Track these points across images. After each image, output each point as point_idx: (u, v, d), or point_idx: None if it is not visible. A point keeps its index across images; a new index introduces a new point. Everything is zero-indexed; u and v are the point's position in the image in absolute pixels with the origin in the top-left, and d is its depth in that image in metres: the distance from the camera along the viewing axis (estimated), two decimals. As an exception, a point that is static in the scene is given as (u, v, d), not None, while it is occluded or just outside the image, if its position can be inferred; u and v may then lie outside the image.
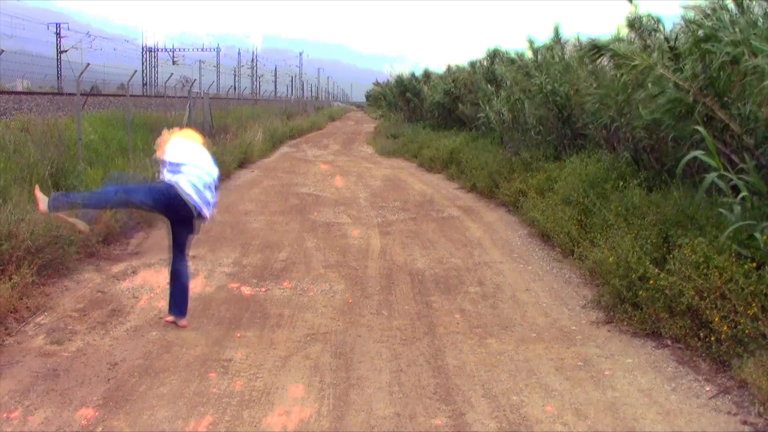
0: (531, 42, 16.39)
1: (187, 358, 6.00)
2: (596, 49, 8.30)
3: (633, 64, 7.75)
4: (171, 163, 6.71)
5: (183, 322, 6.85)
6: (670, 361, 6.07)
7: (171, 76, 27.13)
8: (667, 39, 8.49)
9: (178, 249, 6.98)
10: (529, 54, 16.28)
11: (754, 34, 6.85)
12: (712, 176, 6.86)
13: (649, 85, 8.15)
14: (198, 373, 5.67)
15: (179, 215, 6.76)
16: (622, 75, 9.16)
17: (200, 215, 6.79)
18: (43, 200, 6.32)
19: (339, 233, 11.38)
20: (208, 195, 6.83)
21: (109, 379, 5.52)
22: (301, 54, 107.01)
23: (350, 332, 6.73)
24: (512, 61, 16.85)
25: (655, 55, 8.15)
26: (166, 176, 6.70)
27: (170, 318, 6.90)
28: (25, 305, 7.01)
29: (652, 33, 9.24)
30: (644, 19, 9.54)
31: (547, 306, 7.68)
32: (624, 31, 9.91)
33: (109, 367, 5.75)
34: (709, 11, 7.74)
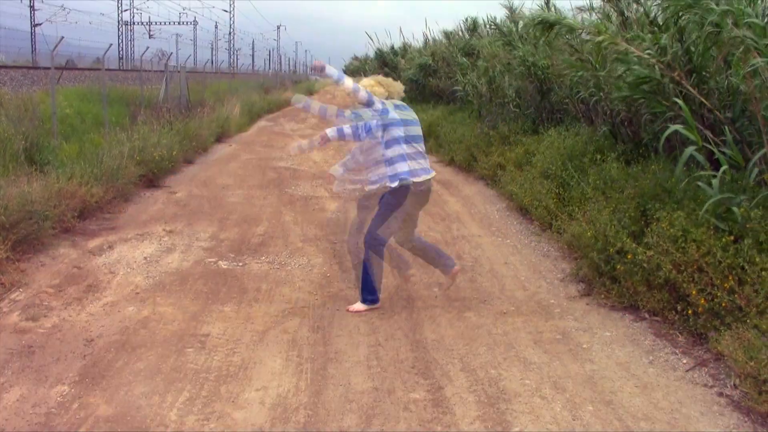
0: (511, 9, 16.21)
1: (164, 333, 5.96)
2: (546, 23, 8.17)
3: (597, 40, 7.69)
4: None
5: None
6: (648, 334, 6.09)
7: (147, 49, 26.92)
8: (647, 13, 8.46)
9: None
10: (508, 23, 16.08)
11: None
12: (690, 149, 6.86)
13: (615, 59, 8.09)
14: (175, 349, 5.63)
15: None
16: (601, 50, 9.15)
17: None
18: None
19: (317, 207, 11.35)
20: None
21: (85, 356, 5.47)
22: (278, 27, 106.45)
23: (328, 306, 6.71)
24: (499, 31, 16.62)
25: (613, 28, 8.08)
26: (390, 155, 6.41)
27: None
28: (-1, 281, 6.95)
29: (630, 5, 9.18)
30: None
31: (526, 279, 7.68)
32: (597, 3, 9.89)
33: (85, 344, 5.71)
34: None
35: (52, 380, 5.05)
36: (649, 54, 7.42)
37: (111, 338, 5.82)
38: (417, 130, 6.58)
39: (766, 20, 6.60)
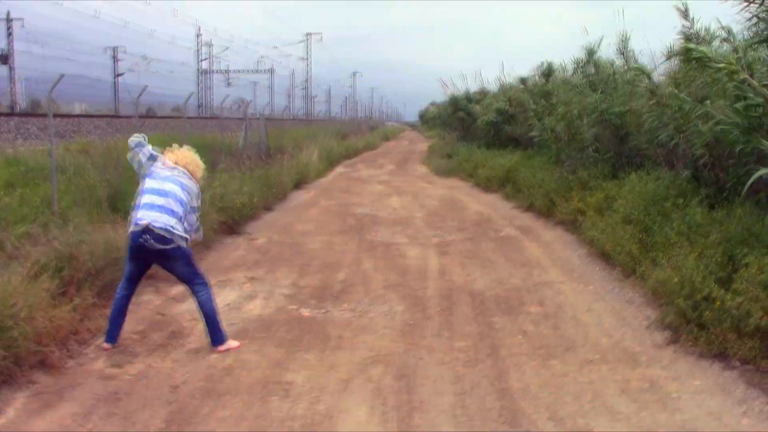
0: (590, 52, 16.18)
1: (248, 380, 6.02)
2: (688, 50, 8.21)
3: (718, 66, 7.63)
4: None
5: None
6: (740, 383, 5.94)
7: (227, 97, 27.42)
8: (736, 49, 8.36)
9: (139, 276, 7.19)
10: (589, 69, 16.05)
11: None
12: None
13: (730, 88, 8.00)
14: (259, 396, 5.69)
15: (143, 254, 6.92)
16: (681, 93, 9.07)
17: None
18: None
19: (397, 253, 11.37)
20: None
21: (170, 402, 5.56)
22: (354, 74, 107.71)
23: (411, 354, 6.70)
24: (565, 81, 16.64)
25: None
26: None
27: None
28: (86, 327, 7.12)
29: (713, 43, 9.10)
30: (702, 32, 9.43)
31: (610, 327, 7.58)
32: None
33: (170, 390, 5.80)
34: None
35: (139, 426, 5.15)
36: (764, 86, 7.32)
37: (196, 385, 5.90)
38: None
39: None
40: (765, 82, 7.41)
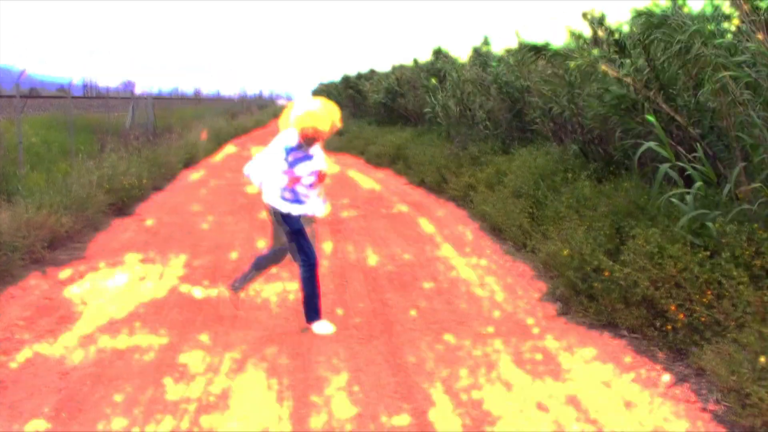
0: (486, 40, 16.54)
1: (141, 364, 5.86)
2: (535, 50, 8.32)
3: (576, 62, 7.77)
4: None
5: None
6: (628, 351, 6.08)
7: (114, 76, 26.73)
8: (611, 32, 8.53)
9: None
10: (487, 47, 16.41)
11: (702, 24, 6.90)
12: (666, 167, 6.92)
13: (593, 83, 8.20)
14: (153, 379, 5.54)
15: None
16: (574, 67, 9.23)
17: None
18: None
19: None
20: None
21: (60, 389, 5.36)
22: (244, 51, 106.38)
23: (307, 332, 6.63)
24: (476, 52, 16.91)
25: (596, 51, 8.18)
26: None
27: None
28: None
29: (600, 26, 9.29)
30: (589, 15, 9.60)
31: (502, 300, 7.67)
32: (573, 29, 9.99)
33: (59, 377, 5.60)
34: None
35: (27, 416, 4.93)
36: (625, 75, 7.49)
37: (86, 370, 5.72)
38: None
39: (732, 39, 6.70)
40: (623, 72, 7.60)
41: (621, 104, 7.87)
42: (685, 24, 6.94)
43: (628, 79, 7.50)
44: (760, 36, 6.21)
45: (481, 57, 16.25)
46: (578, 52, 7.79)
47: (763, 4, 6.29)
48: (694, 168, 6.68)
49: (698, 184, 6.51)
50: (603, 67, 7.64)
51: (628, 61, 7.76)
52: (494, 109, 14.50)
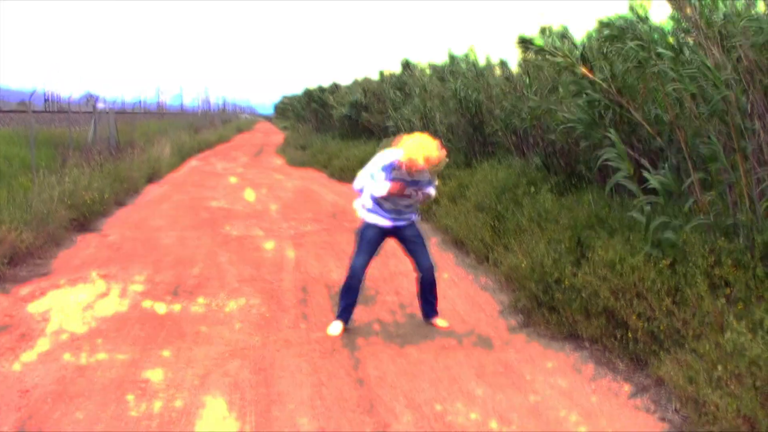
0: (449, 53, 16.72)
1: (103, 381, 5.80)
2: (524, 42, 8.42)
3: (556, 60, 7.85)
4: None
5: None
6: (589, 362, 6.13)
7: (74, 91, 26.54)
8: (575, 44, 8.64)
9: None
10: (446, 61, 16.57)
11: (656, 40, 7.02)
12: (620, 175, 7.01)
13: (569, 84, 8.29)
14: (115, 397, 5.48)
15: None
16: (532, 79, 9.33)
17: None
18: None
19: (252, 246, 11.25)
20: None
21: (20, 407, 5.28)
22: (206, 66, 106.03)
23: (269, 347, 6.61)
24: (433, 67, 17.07)
25: (577, 54, 8.27)
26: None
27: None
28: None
29: (563, 40, 9.41)
30: (551, 29, 9.72)
31: (465, 313, 7.69)
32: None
33: (20, 395, 5.52)
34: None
35: (-15, 435, 4.89)
36: (602, 80, 7.58)
37: (47, 388, 5.65)
38: None
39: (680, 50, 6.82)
40: (602, 77, 7.70)
41: (590, 113, 7.96)
42: (641, 37, 7.05)
43: (603, 85, 7.59)
44: (714, 51, 6.32)
45: (437, 71, 16.34)
46: (562, 52, 7.87)
47: (716, 18, 6.41)
48: (649, 180, 6.78)
49: (651, 197, 6.62)
50: (582, 69, 7.72)
51: (596, 71, 7.86)
52: (454, 123, 14.58)
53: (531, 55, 8.99)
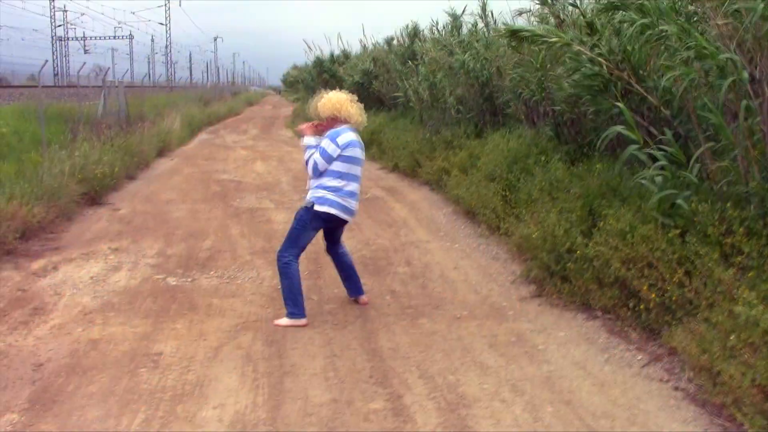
0: (454, 17, 16.47)
1: (115, 354, 5.83)
2: (514, 32, 8.32)
3: (550, 41, 7.79)
4: (334, 156, 6.57)
5: (364, 298, 7.12)
6: (602, 332, 6.14)
7: (84, 65, 26.45)
8: (582, 13, 8.55)
9: (336, 241, 7.09)
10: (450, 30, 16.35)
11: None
12: (631, 148, 6.96)
13: (567, 60, 8.23)
14: (127, 369, 5.51)
15: (328, 229, 6.93)
16: (541, 51, 9.24)
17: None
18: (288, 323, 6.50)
19: (263, 219, 11.26)
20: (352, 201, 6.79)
21: (34, 381, 5.33)
22: (215, 39, 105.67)
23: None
24: (435, 40, 16.87)
25: (571, 32, 8.20)
26: (314, 185, 6.66)
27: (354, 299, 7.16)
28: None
29: (566, 8, 9.30)
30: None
31: (477, 283, 7.70)
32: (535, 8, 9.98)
33: (33, 369, 5.55)
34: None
35: (0, 408, 4.90)
36: (598, 55, 7.52)
37: (60, 362, 5.68)
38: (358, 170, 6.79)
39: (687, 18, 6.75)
40: (597, 52, 7.63)
41: (594, 85, 7.90)
42: (644, 5, 6.97)
43: (601, 59, 7.53)
44: (719, 21, 6.24)
45: (446, 42, 16.15)
46: (555, 33, 7.79)
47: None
48: (661, 149, 6.73)
49: (660, 162, 6.58)
50: (576, 46, 7.67)
51: (603, 40, 7.79)
52: (465, 94, 14.49)
53: (526, 46, 8.90)
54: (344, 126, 6.66)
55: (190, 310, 6.94)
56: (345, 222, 6.83)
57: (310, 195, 6.59)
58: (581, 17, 8.46)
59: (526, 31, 8.19)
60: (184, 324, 6.54)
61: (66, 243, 9.65)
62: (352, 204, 6.69)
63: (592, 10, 8.45)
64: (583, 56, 7.71)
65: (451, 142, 13.82)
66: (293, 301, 6.51)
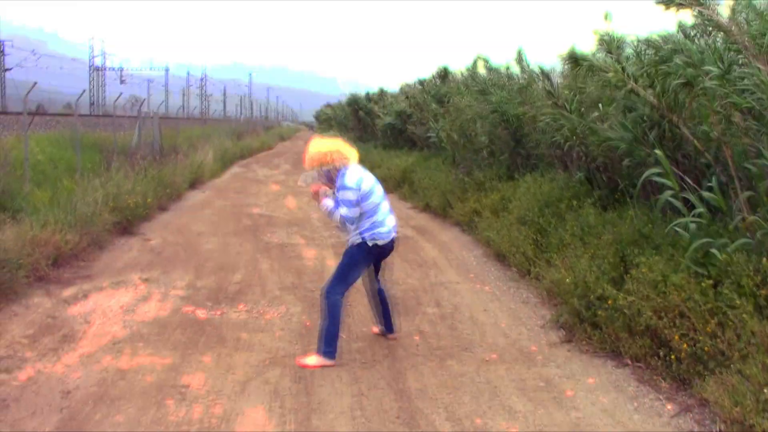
0: (486, 61, 16.53)
1: (143, 384, 5.86)
2: (574, 58, 8.36)
3: (607, 76, 7.80)
4: (357, 199, 6.61)
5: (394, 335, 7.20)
6: (631, 380, 6.08)
7: (120, 95, 26.75)
8: (638, 54, 8.55)
9: (377, 273, 7.11)
10: (482, 72, 16.39)
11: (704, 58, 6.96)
12: (668, 194, 6.95)
13: (615, 100, 8.22)
14: (155, 401, 5.53)
15: (382, 255, 6.97)
16: (575, 95, 9.26)
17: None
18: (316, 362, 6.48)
19: (293, 254, 11.29)
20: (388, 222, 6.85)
21: (62, 409, 5.36)
22: (251, 74, 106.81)
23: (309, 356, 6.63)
24: (465, 82, 16.93)
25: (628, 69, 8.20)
26: (353, 226, 6.68)
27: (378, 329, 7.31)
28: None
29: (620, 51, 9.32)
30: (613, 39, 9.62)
31: (506, 326, 7.66)
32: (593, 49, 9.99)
33: (62, 396, 5.59)
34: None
35: (29, 434, 4.93)
36: (653, 95, 7.51)
37: (89, 390, 5.71)
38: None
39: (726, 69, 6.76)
40: (651, 93, 7.64)
41: (640, 125, 7.88)
42: (689, 57, 7.00)
43: (655, 100, 7.52)
44: (762, 67, 6.26)
45: (477, 82, 16.15)
46: (613, 68, 7.80)
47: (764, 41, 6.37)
48: (699, 197, 6.71)
49: (699, 210, 6.55)
50: (633, 84, 7.66)
51: (648, 86, 7.80)
52: (496, 136, 14.48)
53: (582, 71, 8.88)
54: (343, 168, 6.73)
55: (218, 343, 6.96)
56: (392, 249, 6.93)
57: (355, 236, 6.69)
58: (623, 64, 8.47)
59: (585, 60, 8.23)
60: (213, 357, 6.55)
61: (97, 271, 9.72)
62: (391, 225, 6.81)
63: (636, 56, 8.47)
64: (636, 96, 7.71)
65: (482, 184, 13.81)
66: (330, 339, 6.50)
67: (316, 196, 6.85)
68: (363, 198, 6.60)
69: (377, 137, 28.79)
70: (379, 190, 6.82)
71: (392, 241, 6.85)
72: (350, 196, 6.55)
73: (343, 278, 6.67)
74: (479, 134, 15.13)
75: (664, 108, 7.53)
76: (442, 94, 20.00)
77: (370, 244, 6.62)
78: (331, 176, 6.73)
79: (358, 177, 6.65)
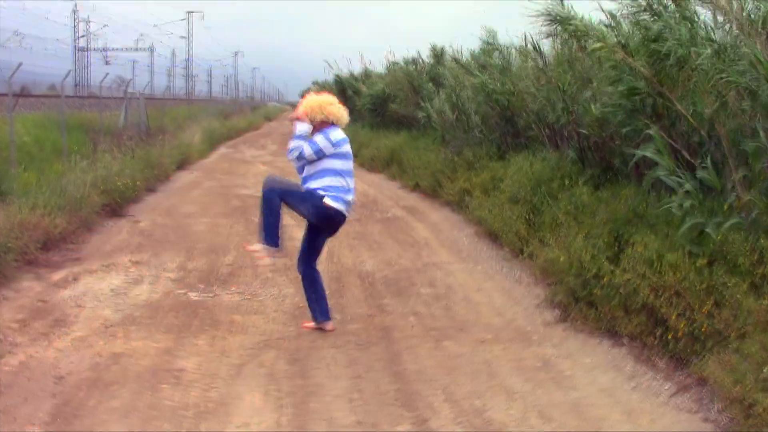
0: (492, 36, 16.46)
1: (137, 369, 5.80)
2: (554, 19, 8.20)
3: (593, 47, 7.71)
4: (323, 151, 6.63)
5: (330, 325, 6.84)
6: (628, 359, 6.05)
7: (106, 76, 26.56)
8: (620, 31, 8.46)
9: (315, 254, 7.02)
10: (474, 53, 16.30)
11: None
12: (658, 172, 6.91)
13: (607, 70, 8.11)
14: (150, 385, 5.48)
15: (331, 226, 6.84)
16: (567, 71, 9.19)
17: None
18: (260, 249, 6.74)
19: (285, 236, 11.18)
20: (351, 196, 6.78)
21: (55, 394, 5.29)
22: (236, 54, 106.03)
23: (304, 338, 6.59)
24: (456, 60, 16.85)
25: (613, 39, 8.08)
26: (314, 184, 6.68)
27: (312, 325, 6.88)
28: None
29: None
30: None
31: (501, 306, 7.64)
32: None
33: (55, 381, 5.52)
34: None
35: (21, 421, 4.85)
36: (642, 66, 7.41)
37: (82, 375, 5.65)
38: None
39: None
40: (641, 61, 7.53)
41: (631, 98, 7.77)
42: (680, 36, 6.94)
43: (643, 71, 7.41)
44: (758, 45, 6.20)
45: (466, 63, 16.07)
46: (600, 33, 7.70)
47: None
48: (693, 176, 6.67)
49: (686, 187, 6.52)
50: (623, 53, 7.55)
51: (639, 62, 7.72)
52: (487, 115, 14.42)
53: (565, 36, 8.75)
54: (333, 126, 6.74)
55: (212, 326, 6.91)
56: (341, 225, 6.88)
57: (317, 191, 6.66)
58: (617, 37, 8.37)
59: (571, 23, 8.09)
60: (206, 340, 6.51)
61: (87, 254, 9.64)
62: (351, 200, 6.77)
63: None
64: (625, 67, 7.59)
65: (472, 163, 13.75)
66: (268, 229, 6.91)
67: (296, 118, 6.85)
68: (337, 156, 6.61)
69: (364, 117, 28.65)
70: (350, 164, 6.80)
71: (344, 218, 6.77)
72: (322, 143, 6.60)
73: (292, 194, 6.92)
74: (471, 113, 15.06)
75: (655, 81, 7.44)
76: (436, 73, 19.93)
77: (327, 203, 6.57)
78: (319, 129, 6.75)
79: (342, 137, 6.69)
